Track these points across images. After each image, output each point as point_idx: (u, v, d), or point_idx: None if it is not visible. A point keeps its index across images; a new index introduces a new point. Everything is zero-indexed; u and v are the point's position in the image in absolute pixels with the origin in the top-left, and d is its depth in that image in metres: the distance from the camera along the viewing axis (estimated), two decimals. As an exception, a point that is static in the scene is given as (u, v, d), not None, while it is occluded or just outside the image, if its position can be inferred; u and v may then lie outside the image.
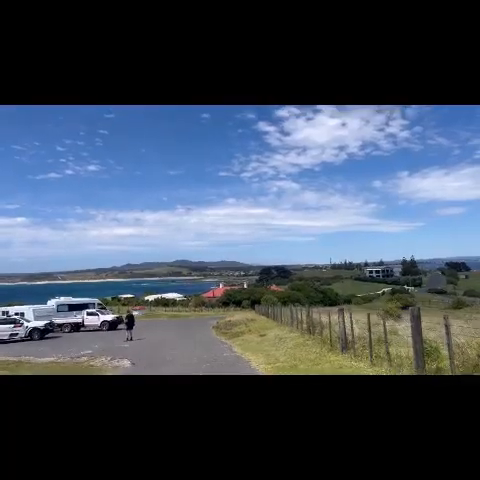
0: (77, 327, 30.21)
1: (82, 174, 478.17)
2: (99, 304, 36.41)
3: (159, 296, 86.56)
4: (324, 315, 14.91)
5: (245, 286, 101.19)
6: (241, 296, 72.92)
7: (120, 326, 30.83)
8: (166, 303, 75.09)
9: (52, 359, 16.00)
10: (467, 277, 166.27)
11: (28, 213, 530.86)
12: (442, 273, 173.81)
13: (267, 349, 14.50)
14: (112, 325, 30.05)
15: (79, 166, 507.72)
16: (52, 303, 33.18)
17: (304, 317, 17.58)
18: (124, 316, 26.12)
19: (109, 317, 31.14)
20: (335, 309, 17.45)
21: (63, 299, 34.52)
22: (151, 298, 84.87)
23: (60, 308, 32.46)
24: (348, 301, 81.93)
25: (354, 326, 10.96)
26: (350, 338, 10.96)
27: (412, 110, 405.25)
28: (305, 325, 17.11)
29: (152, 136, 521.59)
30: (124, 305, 66.16)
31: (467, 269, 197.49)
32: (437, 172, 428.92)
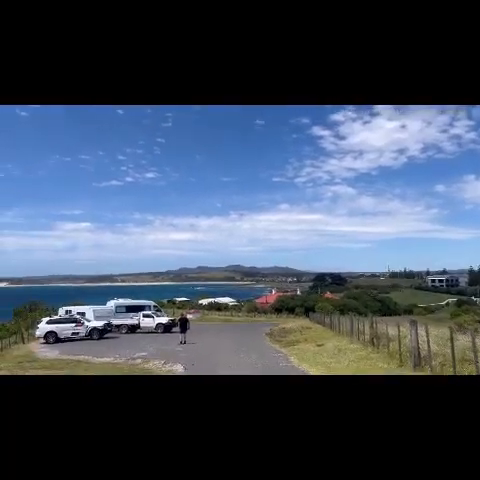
0: (133, 328, 30.97)
1: (141, 181, 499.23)
2: (155, 306, 37.14)
3: (212, 300, 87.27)
4: (389, 326, 13.77)
5: (298, 293, 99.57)
6: (294, 303, 71.61)
7: (174, 329, 31.15)
8: (219, 307, 75.46)
9: (109, 360, 16.28)
10: None
11: (92, 218, 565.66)
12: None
13: (326, 361, 13.65)
14: (167, 328, 30.41)
15: (138, 173, 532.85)
16: (111, 304, 34.27)
17: (366, 327, 16.40)
18: (177, 319, 26.36)
19: (164, 320, 31.55)
20: (395, 319, 16.16)
21: (121, 301, 35.58)
22: (205, 302, 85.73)
23: (118, 309, 33.43)
24: (409, 311, 77.45)
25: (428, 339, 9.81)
26: (424, 353, 9.84)
27: (478, 110, 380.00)
28: (368, 336, 15.92)
29: (206, 143, 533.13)
30: (179, 308, 67.30)
31: None
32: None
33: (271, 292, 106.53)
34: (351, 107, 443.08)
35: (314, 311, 53.61)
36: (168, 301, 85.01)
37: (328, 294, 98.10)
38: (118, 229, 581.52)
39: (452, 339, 7.90)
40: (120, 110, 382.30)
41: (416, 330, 9.99)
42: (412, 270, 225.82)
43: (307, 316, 55.70)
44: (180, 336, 22.44)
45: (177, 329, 30.43)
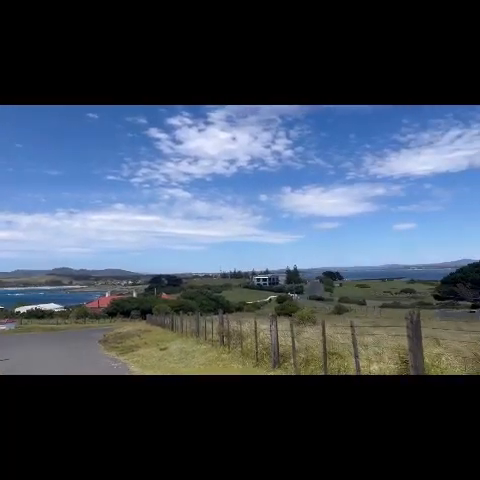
0: None
1: None
2: None
3: (33, 307, 76.10)
4: (235, 323, 13.28)
5: (134, 295, 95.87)
6: (130, 306, 68.56)
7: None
8: (42, 315, 66.16)
9: None
10: (341, 285, 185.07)
11: None
12: (320, 281, 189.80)
13: (174, 366, 12.22)
14: None
15: None
16: None
17: (212, 326, 15.64)
18: None
19: None
20: (229, 317, 16.08)
21: None
22: (23, 310, 74.19)
23: None
24: (239, 308, 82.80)
25: (276, 334, 9.43)
26: (282, 350, 9.42)
27: (294, 131, 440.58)
28: (216, 335, 15.19)
29: (28, 132, 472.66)
30: (-13, 318, 56.21)
31: (341, 278, 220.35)
32: (315, 189, 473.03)
33: (104, 295, 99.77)
34: (187, 113, 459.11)
35: (151, 313, 51.96)
36: (-27, 311, 70.72)
37: (165, 295, 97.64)
38: None
39: (324, 333, 7.53)
40: None
41: (276, 325, 9.50)
42: (240, 271, 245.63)
43: (144, 319, 53.79)
44: None
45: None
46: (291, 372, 8.74)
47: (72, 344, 25.02)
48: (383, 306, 79.06)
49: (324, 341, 7.52)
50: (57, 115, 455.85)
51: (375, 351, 7.93)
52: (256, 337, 10.79)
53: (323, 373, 7.62)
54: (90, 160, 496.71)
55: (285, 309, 53.97)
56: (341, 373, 7.68)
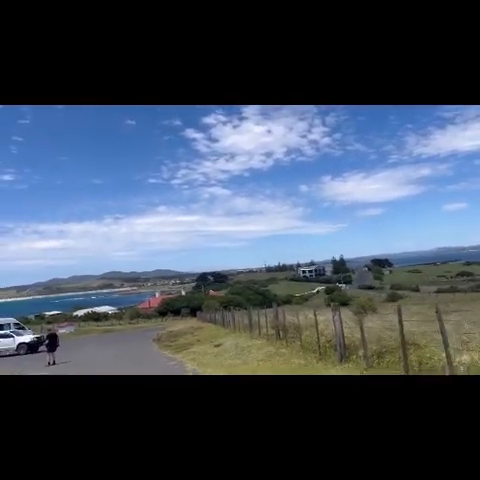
0: (-13, 354, 25.03)
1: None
2: (16, 324, 31.11)
3: (89, 310, 79.54)
4: (289, 316, 12.68)
5: (183, 293, 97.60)
6: (180, 304, 69.65)
7: (42, 348, 26.28)
8: (97, 317, 68.92)
9: None
10: (391, 272, 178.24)
11: None
12: (368, 270, 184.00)
13: (231, 363, 11.87)
14: (32, 347, 25.10)
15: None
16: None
17: (264, 319, 15.07)
18: (46, 335, 21.61)
19: (27, 338, 25.79)
20: (272, 310, 15.34)
21: (-30, 320, 28.90)
22: (81, 313, 77.72)
23: (-33, 331, 26.88)
24: (287, 301, 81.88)
25: (338, 325, 8.71)
26: (347, 342, 8.73)
27: (331, 117, 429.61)
28: (271, 329, 14.50)
29: (72, 143, 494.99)
30: (49, 323, 59.31)
31: (390, 265, 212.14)
32: (357, 176, 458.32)
33: (155, 296, 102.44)
34: (221, 111, 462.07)
35: (201, 310, 52.43)
36: (36, 316, 74.88)
37: (212, 292, 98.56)
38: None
39: (401, 321, 6.75)
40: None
41: (340, 316, 8.78)
42: (285, 264, 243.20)
43: (194, 316, 54.40)
44: (48, 356, 18.26)
45: (45, 348, 25.84)
46: (362, 366, 8.03)
47: (128, 344, 25.61)
48: (438, 291, 75.15)
49: (401, 330, 6.63)
50: (96, 125, 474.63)
51: (462, 339, 7.05)
52: (317, 329, 10.04)
53: (402, 366, 6.88)
54: (131, 166, 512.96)
55: (336, 299, 52.46)
56: (425, 365, 6.92)
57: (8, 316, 35.70)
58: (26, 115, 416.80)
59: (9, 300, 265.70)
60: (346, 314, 10.53)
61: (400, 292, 77.70)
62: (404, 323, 8.32)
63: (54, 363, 17.88)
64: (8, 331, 26.85)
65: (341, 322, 8.73)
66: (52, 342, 18.77)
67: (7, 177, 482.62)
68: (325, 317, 10.96)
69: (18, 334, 26.45)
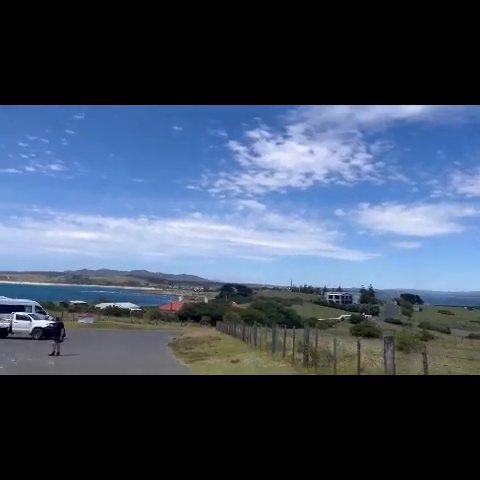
0: (3, 332, 24.85)
1: (44, 172, 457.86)
2: (38, 308, 31.09)
3: (112, 305, 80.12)
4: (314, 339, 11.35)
5: (205, 301, 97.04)
6: (201, 311, 68.96)
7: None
8: (118, 313, 69.12)
9: None
10: (421, 310, 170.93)
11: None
12: (397, 304, 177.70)
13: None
14: (47, 333, 24.75)
15: (41, 164, 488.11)
16: (-21, 302, 27.60)
17: (293, 341, 13.64)
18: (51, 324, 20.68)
19: (44, 323, 25.25)
20: (301, 332, 14.23)
21: (-7, 299, 29.04)
22: (103, 306, 78.43)
23: (-13, 309, 26.92)
24: (310, 324, 79.39)
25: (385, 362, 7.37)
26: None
27: (376, 145, 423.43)
28: (297, 353, 12.95)
29: (120, 142, 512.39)
30: (71, 311, 59.89)
31: (420, 302, 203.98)
32: (396, 207, 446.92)
33: (178, 299, 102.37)
34: (266, 126, 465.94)
35: (221, 320, 51.39)
36: (61, 303, 76.11)
37: (235, 304, 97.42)
38: (12, 222, 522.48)
39: None
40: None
41: (393, 350, 7.25)
42: (311, 286, 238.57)
43: (213, 325, 53.48)
44: (54, 346, 17.15)
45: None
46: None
47: (142, 345, 24.79)
48: (471, 337, 70.56)
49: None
50: (145, 127, 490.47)
51: None
52: (358, 361, 8.39)
53: None
54: (173, 170, 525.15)
55: (362, 330, 50.05)
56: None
57: (37, 300, 35.87)
58: (82, 111, 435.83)
59: (41, 284, 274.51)
60: (377, 347, 9.22)
61: (430, 332, 73.63)
62: (457, 369, 7.10)
63: (58, 354, 16.98)
64: (27, 313, 26.69)
65: (394, 359, 7.18)
66: (57, 331, 17.78)
67: (55, 167, 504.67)
68: (364, 348, 9.76)
69: (36, 318, 26.21)
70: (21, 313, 26.09)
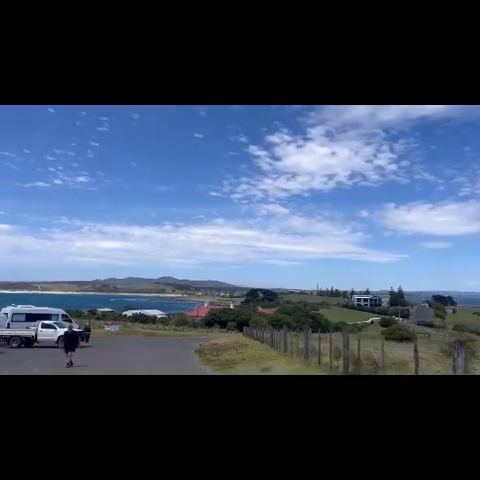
0: (29, 342, 24.78)
1: (70, 184, 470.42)
2: (64, 316, 31.02)
3: (138, 312, 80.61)
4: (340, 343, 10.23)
5: (231, 306, 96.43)
6: (227, 317, 68.32)
7: (84, 343, 25.69)
8: (145, 320, 69.36)
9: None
10: (454, 311, 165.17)
11: (12, 220, 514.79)
12: (429, 306, 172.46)
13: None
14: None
15: (68, 176, 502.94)
16: (6, 311, 27.65)
17: (330, 346, 12.41)
18: (63, 332, 18.59)
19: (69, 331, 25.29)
20: (330, 336, 13.18)
21: (19, 307, 29.09)
22: (130, 313, 78.99)
23: (15, 317, 26.92)
24: (338, 328, 77.49)
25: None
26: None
27: (399, 144, 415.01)
28: (334, 359, 11.77)
29: (142, 151, 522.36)
30: (98, 319, 60.43)
31: (453, 303, 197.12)
32: (422, 206, 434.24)
33: (203, 305, 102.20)
34: (286, 130, 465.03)
35: (248, 325, 50.50)
36: (89, 311, 77.22)
37: (261, 309, 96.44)
38: (42, 234, 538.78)
39: None
40: (51, 109, 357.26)
41: (465, 357, 6.13)
42: (338, 289, 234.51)
43: (240, 331, 52.74)
44: (67, 356, 15.83)
45: (86, 343, 25.10)
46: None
47: (166, 352, 24.05)
48: (512, 339, 66.90)
49: None
50: (166, 136, 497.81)
51: None
52: (417, 370, 7.21)
53: None
54: (195, 177, 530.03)
55: (395, 333, 48.01)
56: None
57: (66, 309, 36.01)
58: (104, 123, 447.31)
59: (70, 293, 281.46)
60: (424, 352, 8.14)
61: (468, 335, 70.39)
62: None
63: (71, 364, 15.99)
64: (52, 321, 26.55)
65: (465, 366, 6.04)
66: (70, 340, 16.31)
67: (82, 179, 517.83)
68: (405, 353, 8.75)
69: (61, 326, 26.05)
70: (46, 321, 25.90)
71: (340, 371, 10.23)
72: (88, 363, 16.84)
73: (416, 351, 7.36)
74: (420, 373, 7.32)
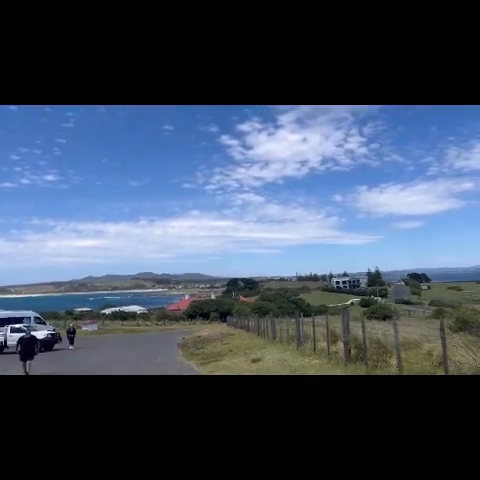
0: (-1, 348, 23.12)
1: (39, 184, 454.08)
2: (37, 318, 29.35)
3: (117, 309, 78.65)
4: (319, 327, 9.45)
5: (213, 297, 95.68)
6: (209, 308, 67.51)
7: (58, 345, 24.28)
8: (125, 317, 67.61)
9: None
10: (429, 288, 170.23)
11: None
12: (405, 284, 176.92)
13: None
14: (46, 344, 23.00)
15: (36, 175, 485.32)
16: (-28, 317, 25.77)
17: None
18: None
19: (41, 334, 23.31)
20: (314, 320, 12.59)
21: (-13, 312, 27.24)
22: (108, 311, 76.94)
23: (-17, 323, 25.13)
24: (321, 311, 78.04)
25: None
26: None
27: (368, 128, 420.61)
28: (322, 343, 10.96)
29: (112, 146, 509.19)
30: (76, 319, 58.43)
31: (428, 280, 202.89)
32: (394, 187, 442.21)
33: (184, 298, 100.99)
34: (256, 118, 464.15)
35: (231, 315, 49.77)
36: (66, 312, 74.72)
37: (242, 298, 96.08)
38: (13, 236, 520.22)
39: None
40: (14, 107, 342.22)
41: None
42: (317, 274, 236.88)
43: (223, 321, 52.05)
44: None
45: (62, 345, 23.75)
46: None
47: (147, 348, 22.85)
48: (488, 310, 68.85)
49: None
50: (135, 129, 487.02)
51: None
52: (444, 354, 6.14)
53: None
54: (168, 170, 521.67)
55: (377, 312, 48.34)
56: None
57: (43, 310, 34.18)
58: (70, 119, 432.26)
59: (47, 295, 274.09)
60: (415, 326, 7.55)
61: (445, 309, 72.09)
62: None
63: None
64: (22, 325, 24.87)
65: None
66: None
67: (50, 177, 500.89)
68: (411, 331, 8.13)
69: (33, 329, 24.42)
70: (16, 325, 24.19)
71: (340, 358, 9.30)
72: (72, 364, 15.54)
73: (442, 329, 6.43)
74: (437, 356, 6.55)
